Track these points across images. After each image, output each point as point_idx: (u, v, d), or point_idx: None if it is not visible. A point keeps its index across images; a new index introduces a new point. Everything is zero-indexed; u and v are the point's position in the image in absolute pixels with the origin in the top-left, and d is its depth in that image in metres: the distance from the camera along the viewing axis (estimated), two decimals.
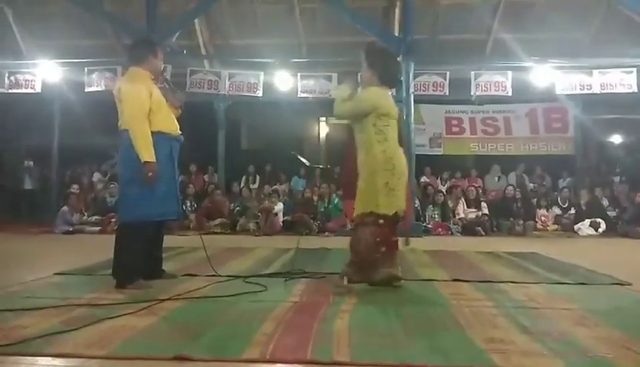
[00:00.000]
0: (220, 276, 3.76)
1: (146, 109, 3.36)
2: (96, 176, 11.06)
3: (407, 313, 2.71)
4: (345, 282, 3.29)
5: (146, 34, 8.21)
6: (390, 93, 3.60)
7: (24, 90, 9.55)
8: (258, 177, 11.35)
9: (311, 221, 8.77)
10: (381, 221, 3.28)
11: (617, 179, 10.63)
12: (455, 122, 11.03)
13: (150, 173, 3.29)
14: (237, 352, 2.03)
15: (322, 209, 9.13)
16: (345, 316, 2.60)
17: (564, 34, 10.32)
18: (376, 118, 3.33)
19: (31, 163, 11.41)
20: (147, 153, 3.30)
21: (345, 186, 4.77)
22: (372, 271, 3.30)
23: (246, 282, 3.55)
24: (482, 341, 2.19)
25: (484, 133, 10.96)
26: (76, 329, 2.31)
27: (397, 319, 2.59)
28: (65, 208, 8.84)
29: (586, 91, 9.03)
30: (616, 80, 8.85)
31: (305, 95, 9.25)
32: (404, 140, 3.55)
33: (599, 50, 9.72)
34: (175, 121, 3.68)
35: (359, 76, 3.69)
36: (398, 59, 3.65)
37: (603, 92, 8.92)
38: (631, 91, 8.79)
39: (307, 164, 11.86)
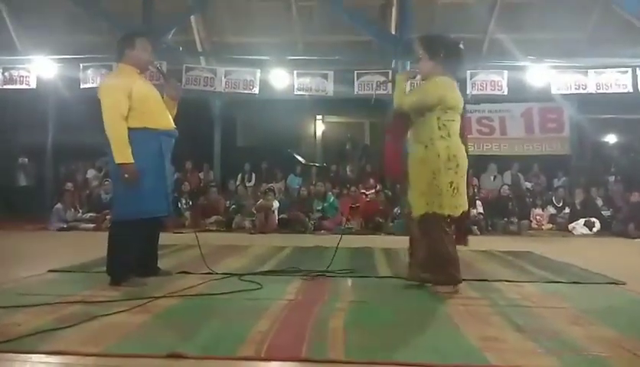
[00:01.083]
0: (215, 274, 3.75)
1: (122, 109, 3.27)
2: (91, 172, 11.00)
3: (402, 311, 2.71)
4: (444, 288, 3.16)
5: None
6: (456, 84, 3.35)
7: (18, 86, 9.48)
8: (254, 174, 11.33)
9: (307, 219, 8.76)
10: (448, 220, 3.17)
11: (612, 179, 10.67)
12: None
13: (127, 175, 3.23)
14: (232, 349, 2.03)
15: (319, 208, 9.12)
16: (340, 315, 2.60)
17: (560, 34, 10.36)
18: (441, 111, 3.13)
19: (26, 160, 11.34)
20: (120, 155, 3.23)
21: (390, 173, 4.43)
22: (456, 269, 3.17)
23: (242, 280, 3.54)
24: (477, 339, 2.19)
25: (480, 133, 10.95)
26: (70, 327, 2.30)
27: (392, 317, 2.59)
28: (59, 205, 8.82)
29: (581, 91, 9.03)
30: (611, 80, 8.88)
31: (301, 93, 9.23)
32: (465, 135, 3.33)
33: (595, 50, 9.76)
34: (168, 115, 3.59)
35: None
36: (460, 45, 3.44)
37: (599, 92, 8.93)
38: (626, 91, 8.82)
39: (303, 161, 11.87)
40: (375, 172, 11.58)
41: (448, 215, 3.14)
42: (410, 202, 3.27)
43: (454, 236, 3.26)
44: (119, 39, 3.67)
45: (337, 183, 10.64)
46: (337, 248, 4.13)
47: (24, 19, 10.58)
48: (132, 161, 3.25)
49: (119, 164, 3.24)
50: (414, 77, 3.50)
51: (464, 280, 3.57)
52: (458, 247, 3.32)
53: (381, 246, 5.78)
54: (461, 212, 3.18)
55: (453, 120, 3.20)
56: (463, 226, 3.54)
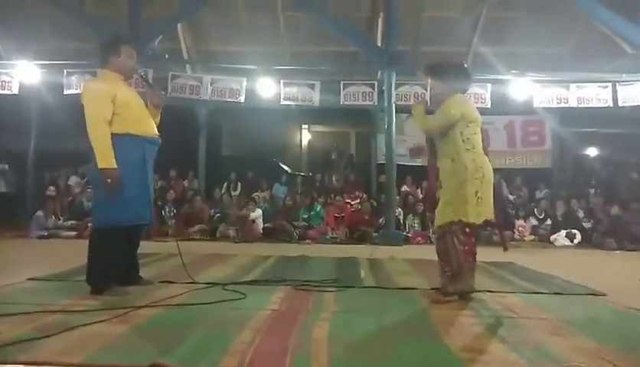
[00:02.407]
0: (198, 283, 3.72)
1: (105, 114, 3.26)
2: (73, 179, 10.87)
3: (386, 322, 2.71)
4: (442, 297, 3.25)
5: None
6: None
7: (0, 91, 9.34)
8: (239, 183, 11.29)
9: (292, 228, 8.74)
10: (467, 229, 3.27)
11: (592, 191, 10.85)
12: None
13: (109, 180, 3.20)
14: (215, 360, 2.01)
15: (305, 216, 9.11)
16: (324, 325, 2.60)
17: (543, 49, 10.58)
18: (464, 126, 3.29)
19: (6, 166, 11.16)
20: (103, 160, 3.21)
21: (428, 200, 4.67)
22: (461, 280, 3.26)
23: (225, 290, 3.51)
24: (460, 350, 2.20)
25: None
26: (49, 336, 2.25)
27: (376, 328, 2.59)
28: (40, 212, 8.68)
29: (563, 104, 9.17)
30: (592, 95, 9.03)
31: (287, 102, 9.24)
32: (486, 148, 3.48)
33: (577, 65, 9.96)
34: (152, 122, 3.58)
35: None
36: (465, 64, 3.69)
37: (580, 106, 9.08)
38: (606, 105, 8.98)
39: (288, 171, 11.86)
40: (360, 182, 11.63)
41: (473, 223, 3.25)
42: (436, 214, 3.39)
43: (470, 247, 3.33)
44: (101, 44, 3.65)
45: (322, 192, 10.65)
46: (369, 258, 4.08)
47: (6, 23, 10.44)
48: (116, 167, 3.23)
49: (101, 169, 3.21)
50: (427, 104, 3.58)
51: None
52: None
53: (366, 256, 5.79)
54: (483, 220, 3.29)
55: (475, 133, 3.35)
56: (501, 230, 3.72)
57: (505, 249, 3.83)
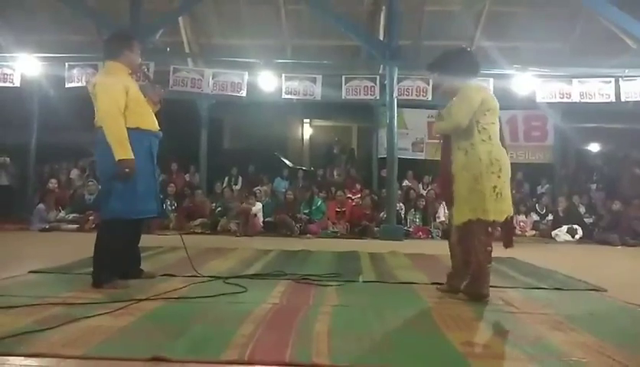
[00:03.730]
0: (199, 276, 3.72)
1: (121, 105, 3.29)
2: (74, 172, 10.88)
3: (387, 316, 2.71)
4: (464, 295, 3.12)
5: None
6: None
7: (1, 84, 9.31)
8: (241, 177, 11.28)
9: (293, 222, 8.74)
10: (490, 229, 3.08)
11: (594, 187, 10.83)
12: None
13: (127, 170, 3.23)
14: (216, 353, 2.02)
15: (307, 211, 9.10)
16: (325, 319, 2.60)
17: (545, 44, 10.54)
18: (480, 114, 3.11)
19: (7, 159, 11.16)
20: (121, 150, 3.23)
21: (442, 193, 4.40)
22: (483, 283, 3.08)
23: (227, 283, 3.52)
24: (460, 344, 2.20)
25: None
26: (50, 329, 2.26)
27: (377, 322, 2.59)
28: (41, 205, 8.69)
29: (565, 99, 9.14)
30: (595, 90, 8.99)
31: (289, 96, 9.22)
32: (505, 141, 3.29)
33: (579, 60, 9.92)
34: (154, 117, 3.62)
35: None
36: (467, 48, 3.47)
37: (582, 101, 9.05)
38: (609, 100, 8.94)
39: (290, 165, 11.86)
40: (361, 176, 11.62)
41: (493, 221, 3.08)
42: (453, 212, 3.21)
43: (492, 248, 3.15)
44: (113, 36, 3.68)
45: (323, 186, 10.64)
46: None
47: (8, 16, 10.42)
48: (133, 157, 3.26)
49: (119, 160, 3.21)
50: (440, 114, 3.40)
51: (442, 283, 3.57)
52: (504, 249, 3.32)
53: (367, 250, 5.79)
54: (505, 216, 3.11)
55: (493, 123, 3.18)
56: (511, 230, 3.44)
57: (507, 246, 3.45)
